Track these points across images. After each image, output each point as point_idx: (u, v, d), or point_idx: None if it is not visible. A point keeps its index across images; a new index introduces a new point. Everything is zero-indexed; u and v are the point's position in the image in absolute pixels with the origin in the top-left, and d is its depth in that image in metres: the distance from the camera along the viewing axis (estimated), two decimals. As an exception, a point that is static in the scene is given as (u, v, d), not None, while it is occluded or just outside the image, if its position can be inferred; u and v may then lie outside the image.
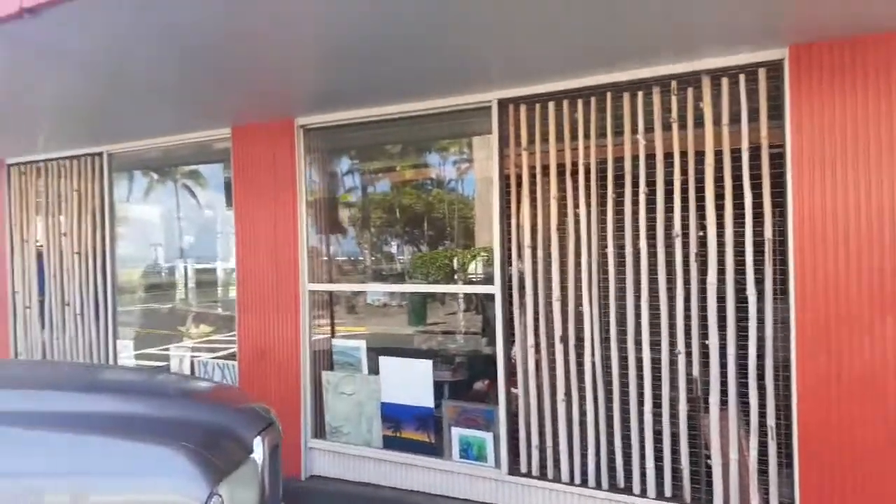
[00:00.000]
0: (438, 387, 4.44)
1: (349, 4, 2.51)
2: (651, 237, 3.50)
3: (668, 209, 3.45)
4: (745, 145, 3.25)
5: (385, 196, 5.62)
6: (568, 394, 3.74)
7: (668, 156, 3.44)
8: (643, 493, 3.54)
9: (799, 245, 3.11)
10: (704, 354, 3.40)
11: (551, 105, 3.73)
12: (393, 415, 4.28)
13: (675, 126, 3.42)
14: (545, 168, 3.78)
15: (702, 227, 3.39)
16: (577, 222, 3.71)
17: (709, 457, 3.41)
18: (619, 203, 3.59)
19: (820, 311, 3.07)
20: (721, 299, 3.34)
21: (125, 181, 6.01)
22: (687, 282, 3.41)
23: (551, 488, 3.76)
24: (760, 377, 3.25)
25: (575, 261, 3.72)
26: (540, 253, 3.80)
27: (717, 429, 3.35)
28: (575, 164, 3.70)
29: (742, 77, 3.25)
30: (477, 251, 4.75)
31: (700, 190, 3.36)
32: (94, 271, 5.58)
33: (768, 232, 3.21)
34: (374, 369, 4.40)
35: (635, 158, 3.54)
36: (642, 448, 3.55)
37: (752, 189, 3.23)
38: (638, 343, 3.55)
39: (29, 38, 2.82)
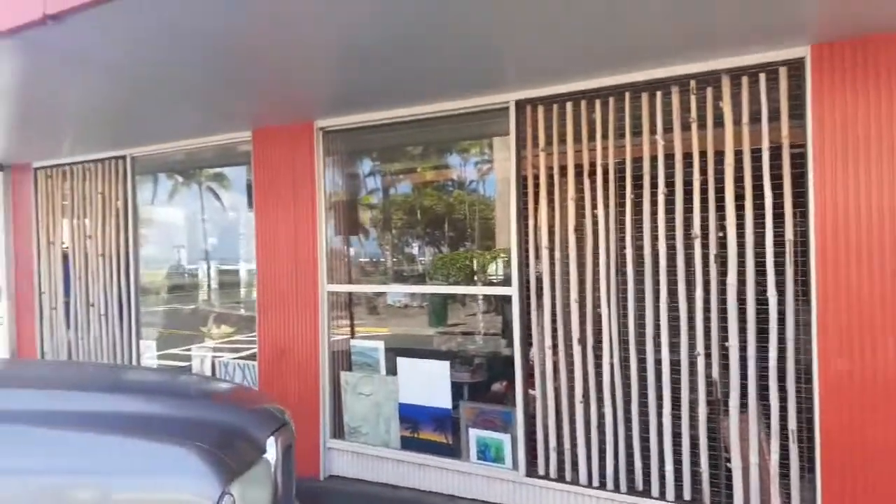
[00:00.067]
0: (458, 388, 4.48)
1: (369, 6, 2.56)
2: (670, 238, 3.50)
3: (687, 210, 3.45)
4: (765, 145, 3.23)
5: (404, 197, 5.69)
6: (586, 395, 3.75)
7: (687, 156, 3.44)
8: (662, 496, 3.53)
9: (821, 246, 3.09)
10: (724, 356, 3.39)
11: (569, 105, 3.75)
12: (411, 415, 4.33)
13: (694, 126, 3.41)
14: (563, 169, 3.80)
15: (721, 227, 3.38)
16: (595, 223, 3.72)
17: (729, 460, 3.40)
18: (637, 204, 3.59)
19: (842, 312, 3.05)
20: (741, 301, 3.33)
21: (148, 184, 6.15)
22: (706, 283, 3.41)
23: (569, 490, 3.77)
24: (781, 380, 3.23)
25: (593, 262, 3.73)
26: (557, 254, 3.82)
27: (737, 432, 3.34)
28: (593, 165, 3.71)
29: (762, 76, 3.24)
30: (497, 252, 4.79)
31: (720, 190, 3.36)
32: (118, 273, 5.71)
33: (789, 233, 3.19)
34: (391, 370, 4.45)
35: (654, 159, 3.54)
36: (661, 450, 3.55)
37: (772, 189, 3.21)
38: (657, 345, 3.55)
39: (52, 45, 2.91)
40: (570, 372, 3.80)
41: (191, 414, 2.46)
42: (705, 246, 3.41)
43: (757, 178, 3.26)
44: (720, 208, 3.36)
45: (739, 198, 3.31)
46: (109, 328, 5.77)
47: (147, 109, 4.24)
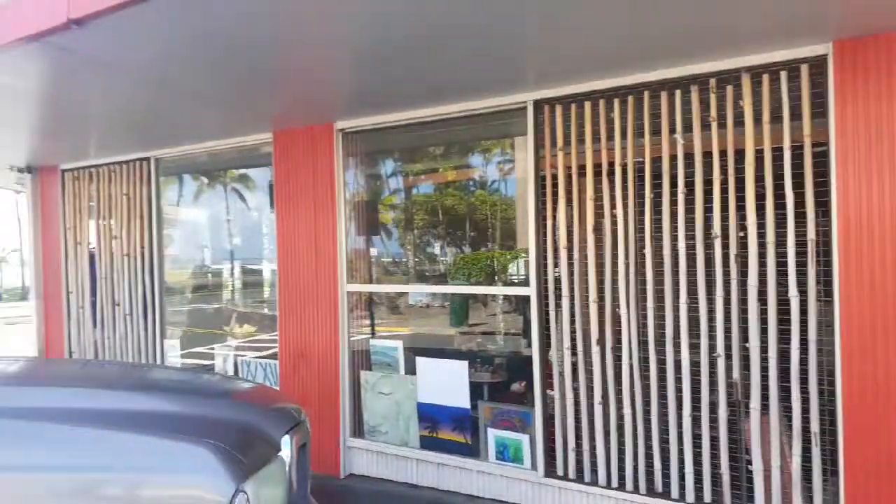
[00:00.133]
0: (478, 388, 4.53)
1: (389, 6, 2.60)
2: (690, 238, 3.50)
3: (708, 209, 3.45)
4: (787, 144, 3.22)
5: (423, 198, 5.75)
6: (605, 396, 3.77)
7: (707, 155, 3.44)
8: (681, 498, 3.54)
9: (843, 246, 3.07)
10: (745, 358, 3.39)
11: (587, 105, 3.76)
12: (430, 415, 4.38)
13: (714, 125, 3.41)
14: (581, 168, 3.82)
15: (742, 227, 3.38)
16: (613, 223, 3.73)
17: (750, 462, 3.39)
18: (656, 204, 3.60)
19: (866, 313, 3.03)
20: (762, 301, 3.32)
21: (172, 185, 6.29)
22: (727, 283, 3.40)
23: (588, 492, 3.79)
24: (804, 381, 3.22)
25: (612, 262, 3.74)
26: (576, 254, 3.84)
27: (759, 434, 3.33)
28: (612, 165, 3.73)
29: (784, 74, 3.23)
30: (518, 252, 4.82)
31: (740, 190, 3.35)
32: (143, 272, 5.85)
33: (811, 233, 3.18)
34: (411, 369, 4.50)
35: (673, 158, 3.54)
36: (681, 452, 3.55)
37: (794, 189, 3.20)
38: (676, 346, 3.55)
39: (77, 49, 3.01)
40: (589, 373, 3.82)
41: (207, 412, 2.51)
42: (726, 246, 3.41)
43: (778, 177, 3.25)
44: (741, 208, 3.36)
45: (760, 197, 3.30)
46: (134, 327, 5.92)
47: (169, 112, 4.35)
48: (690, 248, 3.50)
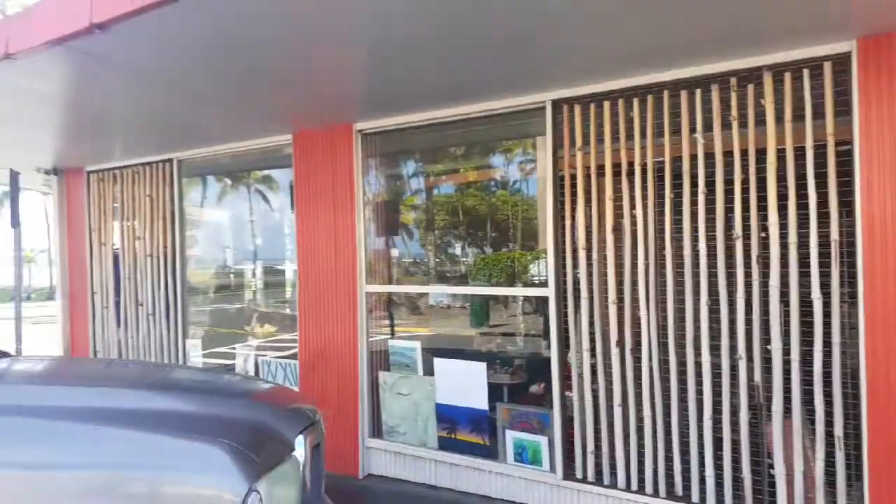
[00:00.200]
0: (497, 389, 4.55)
1: (411, 7, 2.64)
2: (710, 238, 3.50)
3: (729, 210, 3.44)
4: (809, 143, 3.21)
5: (442, 198, 5.78)
6: (624, 399, 3.77)
7: (728, 154, 3.43)
8: (702, 502, 3.54)
9: (868, 246, 3.05)
10: (767, 360, 3.37)
11: (606, 104, 3.77)
12: (448, 416, 4.42)
13: (734, 124, 3.40)
14: (600, 168, 3.83)
15: (764, 228, 3.36)
16: (633, 223, 3.73)
17: (772, 466, 3.37)
18: (677, 204, 3.60)
19: (891, 315, 3.00)
20: (784, 303, 3.30)
21: (195, 186, 6.42)
22: (748, 285, 3.39)
23: (607, 494, 3.80)
24: (827, 384, 3.19)
25: (631, 263, 3.74)
26: (595, 255, 3.85)
27: (781, 438, 3.31)
28: (631, 165, 3.73)
29: (806, 72, 3.21)
30: (538, 253, 4.83)
31: (762, 189, 3.34)
32: (165, 273, 5.98)
33: (835, 233, 3.15)
34: (429, 370, 4.55)
35: (693, 158, 3.54)
36: (701, 455, 3.54)
37: (817, 188, 3.18)
38: (697, 348, 3.55)
39: (99, 53, 3.10)
40: (609, 375, 3.83)
41: (222, 412, 2.56)
42: (747, 246, 3.39)
43: (801, 176, 3.23)
44: (762, 208, 3.34)
45: (782, 197, 3.28)
46: (157, 327, 6.05)
47: (191, 114, 4.46)
48: (711, 249, 3.50)
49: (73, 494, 2.24)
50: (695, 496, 3.56)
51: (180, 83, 3.69)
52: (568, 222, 3.93)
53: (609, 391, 3.83)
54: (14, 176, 6.08)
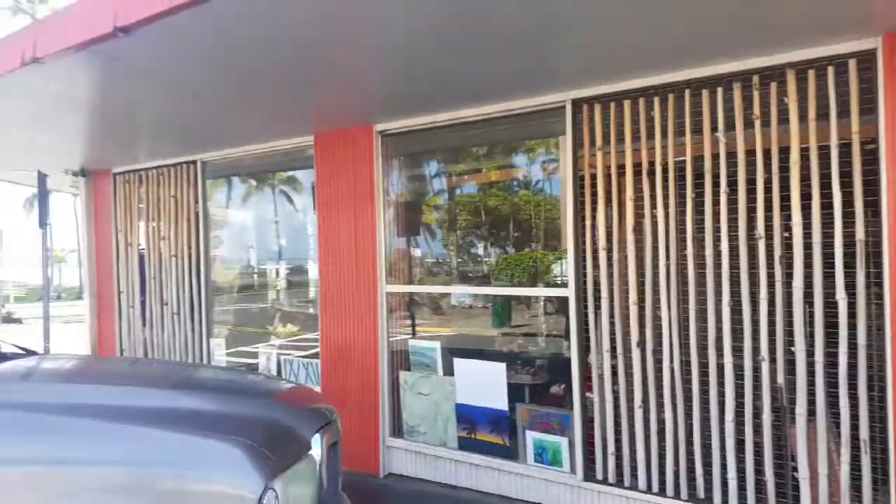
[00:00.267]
0: (519, 389, 4.58)
1: (431, 7, 2.68)
2: (733, 239, 3.49)
3: (751, 209, 3.43)
4: (833, 141, 3.18)
5: (463, 198, 5.83)
6: (645, 400, 3.78)
7: (751, 154, 3.42)
8: (724, 505, 3.53)
9: (894, 246, 3.02)
10: (790, 362, 3.35)
11: (626, 103, 3.78)
12: (468, 416, 4.46)
13: (757, 123, 3.39)
14: (621, 168, 3.83)
15: (787, 227, 3.34)
16: (654, 224, 3.73)
17: (796, 469, 3.36)
18: (698, 203, 3.60)
19: (918, 317, 2.97)
20: (809, 304, 3.28)
21: (219, 187, 6.54)
22: (771, 285, 3.38)
23: (628, 496, 3.81)
24: (852, 386, 3.17)
25: (652, 263, 3.75)
26: (616, 255, 3.86)
27: (805, 440, 3.29)
28: (652, 164, 3.73)
29: (830, 69, 3.19)
30: (560, 253, 4.84)
31: (785, 189, 3.32)
32: (190, 273, 6.11)
33: (860, 233, 3.13)
34: (449, 370, 4.59)
35: (715, 157, 3.53)
36: (723, 458, 3.54)
37: (841, 187, 3.16)
38: (719, 349, 3.54)
39: (123, 57, 3.18)
40: (629, 376, 3.84)
41: (241, 411, 2.61)
42: (770, 247, 3.38)
43: (825, 175, 3.20)
44: (785, 207, 3.33)
45: (806, 196, 3.26)
46: (181, 326, 6.18)
47: (213, 116, 4.56)
48: (733, 249, 3.49)
49: (89, 491, 2.30)
50: (717, 499, 3.56)
51: (202, 86, 3.77)
52: (588, 222, 3.94)
53: (630, 392, 3.83)
54: (42, 178, 6.25)
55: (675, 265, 3.68)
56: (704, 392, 3.59)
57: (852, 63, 3.14)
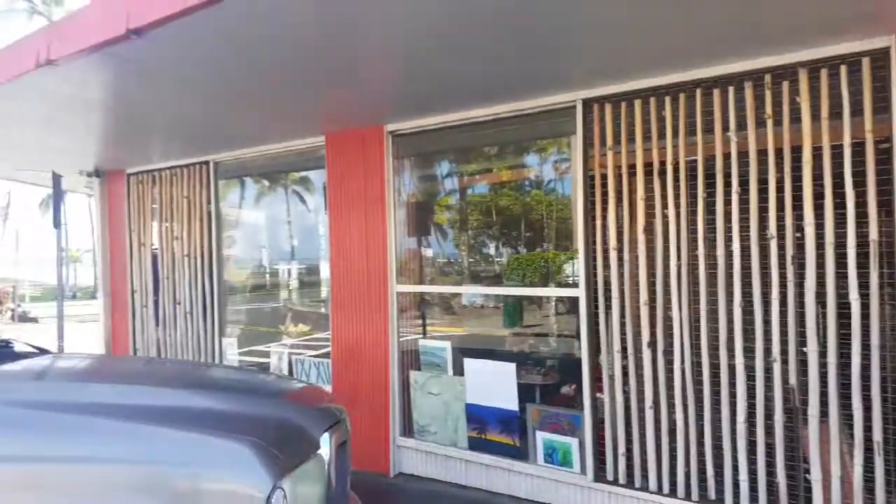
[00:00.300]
0: (530, 389, 4.59)
1: (442, 7, 2.70)
2: (744, 239, 3.48)
3: (763, 209, 3.42)
4: (846, 140, 3.17)
5: (475, 198, 5.84)
6: (656, 401, 3.77)
7: (762, 153, 3.41)
8: (735, 507, 3.52)
9: (908, 247, 3.00)
10: (802, 362, 3.34)
11: (637, 103, 3.78)
12: (478, 416, 4.47)
13: (769, 122, 3.38)
14: (631, 168, 3.83)
15: (799, 228, 3.33)
16: (665, 224, 3.73)
17: (808, 471, 3.34)
18: (710, 203, 3.59)
19: (932, 318, 2.95)
20: (821, 304, 3.26)
21: (231, 187, 6.60)
22: (783, 286, 3.36)
23: (639, 497, 3.81)
24: (865, 388, 3.15)
25: (663, 263, 3.74)
26: (626, 255, 3.85)
27: (817, 442, 3.28)
28: (663, 164, 3.73)
29: (843, 68, 3.17)
30: (572, 253, 4.85)
31: (797, 189, 3.31)
32: (202, 272, 6.17)
33: (874, 233, 3.11)
34: (459, 370, 4.61)
35: (727, 157, 3.52)
36: (735, 459, 3.53)
37: (854, 187, 3.14)
38: (730, 350, 3.53)
39: (136, 58, 3.23)
40: (640, 376, 3.83)
41: (250, 410, 2.64)
42: (782, 247, 3.37)
43: (837, 175, 3.19)
44: (798, 207, 3.31)
45: (819, 196, 3.25)
46: (194, 326, 6.24)
47: (226, 117, 4.61)
48: (745, 250, 3.48)
49: (99, 489, 2.32)
50: (728, 500, 3.55)
51: (215, 87, 3.82)
52: (599, 222, 3.95)
53: (641, 393, 3.83)
54: (56, 178, 6.34)
55: (687, 265, 3.67)
56: (716, 393, 3.58)
57: (865, 62, 3.12)
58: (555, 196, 5.46)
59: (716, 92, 3.52)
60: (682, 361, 3.68)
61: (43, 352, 3.52)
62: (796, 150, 3.31)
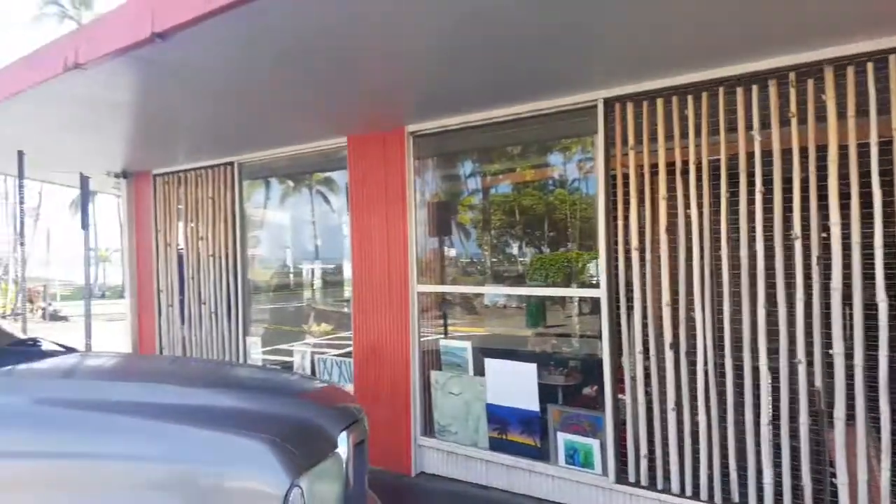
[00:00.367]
0: (552, 390, 4.61)
1: (468, 9, 2.72)
2: (768, 239, 3.45)
3: (787, 209, 3.39)
4: (873, 139, 3.12)
5: (496, 198, 5.86)
6: (679, 402, 3.76)
7: (787, 152, 3.38)
8: (759, 510, 3.50)
9: (937, 247, 2.96)
10: (828, 365, 3.30)
11: (659, 102, 3.77)
12: (499, 416, 4.49)
13: (793, 120, 3.35)
14: (653, 167, 3.82)
15: (825, 227, 3.30)
16: (688, 223, 3.72)
17: (834, 475, 3.31)
18: (733, 203, 3.56)
19: (962, 320, 2.90)
20: (847, 305, 3.23)
21: (256, 188, 6.70)
22: (808, 286, 3.33)
23: (661, 499, 3.80)
24: (893, 391, 3.11)
25: (686, 264, 3.73)
26: (648, 255, 3.85)
27: (844, 445, 3.24)
28: (685, 163, 3.72)
29: (870, 65, 3.13)
30: (595, 253, 4.84)
31: (822, 188, 3.27)
32: (227, 272, 6.27)
33: (902, 233, 3.07)
34: (479, 370, 4.63)
35: (750, 156, 3.50)
36: (759, 462, 3.50)
37: (881, 186, 3.10)
38: (754, 351, 3.51)
39: (161, 61, 3.30)
40: (662, 378, 3.82)
41: (269, 409, 2.66)
42: (807, 247, 3.34)
43: (864, 174, 3.15)
44: (823, 207, 3.28)
45: (845, 196, 3.21)
46: (219, 325, 6.36)
47: (249, 119, 4.69)
48: (769, 250, 3.45)
49: (119, 486, 2.36)
50: (752, 503, 3.52)
51: (239, 88, 3.88)
52: (620, 222, 3.94)
53: (663, 394, 3.82)
54: (84, 180, 6.49)
55: (710, 266, 3.66)
56: (739, 395, 3.56)
57: (893, 59, 3.08)
58: (578, 195, 5.45)
59: (739, 90, 3.50)
60: (705, 363, 3.66)
61: (69, 350, 3.61)
62: (822, 149, 3.28)
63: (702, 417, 3.68)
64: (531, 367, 4.37)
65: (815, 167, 3.29)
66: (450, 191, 5.70)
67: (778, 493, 3.46)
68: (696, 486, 3.71)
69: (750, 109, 3.47)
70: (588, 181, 5.06)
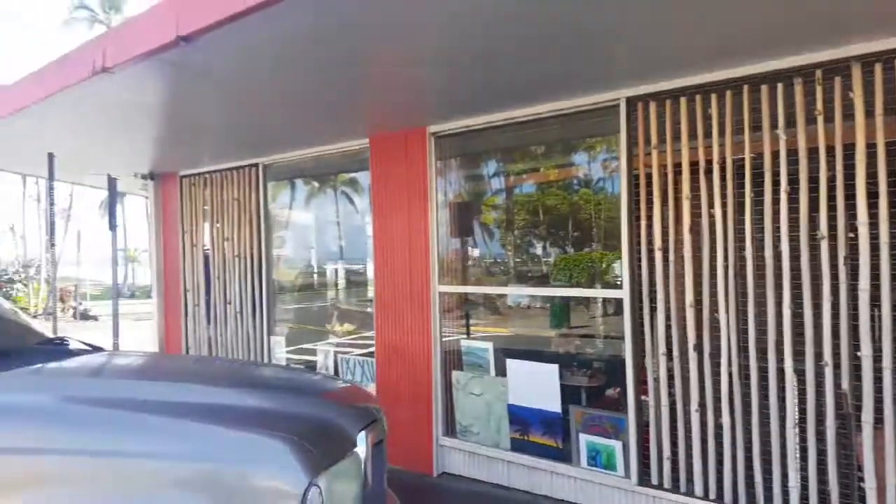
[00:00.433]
0: (575, 391, 4.61)
1: (492, 11, 2.76)
2: (793, 239, 3.42)
3: (813, 209, 3.36)
4: (902, 137, 3.09)
5: (520, 198, 5.87)
6: (702, 404, 3.74)
7: (813, 151, 3.35)
8: (785, 515, 3.47)
9: (969, 247, 2.91)
10: (856, 367, 3.26)
11: (682, 101, 3.75)
12: (520, 417, 4.51)
13: (820, 119, 3.32)
14: (677, 167, 3.81)
15: (852, 227, 3.26)
16: (711, 223, 3.70)
17: (862, 479, 3.27)
18: (757, 203, 3.54)
19: None
20: (876, 307, 3.19)
21: (281, 189, 6.80)
22: (835, 287, 3.30)
23: (684, 502, 3.78)
24: (923, 394, 3.07)
25: (710, 264, 3.71)
26: (672, 256, 3.83)
27: (872, 449, 3.21)
28: (709, 162, 3.70)
29: (899, 62, 3.10)
30: (619, 253, 4.83)
31: (849, 188, 3.24)
32: (252, 273, 6.38)
33: (932, 233, 3.03)
34: (501, 371, 4.66)
35: (775, 155, 3.47)
36: (784, 465, 3.48)
37: (911, 185, 3.06)
38: (779, 353, 3.48)
39: (186, 64, 3.39)
40: (686, 379, 3.81)
41: (290, 409, 2.70)
42: (833, 247, 3.30)
43: (892, 173, 3.12)
44: (850, 207, 3.24)
45: (873, 195, 3.17)
46: (244, 325, 6.46)
47: (273, 121, 4.77)
48: (794, 250, 3.42)
49: (139, 484, 2.39)
50: (777, 508, 3.50)
51: (262, 91, 3.97)
52: (643, 222, 3.94)
53: (686, 396, 3.81)
54: (111, 182, 6.63)
55: (734, 266, 3.63)
56: (764, 397, 3.53)
57: (922, 55, 3.04)
58: (603, 195, 5.44)
59: (764, 88, 3.47)
60: (730, 365, 3.64)
61: (96, 349, 3.69)
62: (849, 148, 3.24)
63: (726, 419, 3.66)
64: (553, 368, 4.39)
65: (842, 166, 3.25)
66: (472, 191, 5.73)
67: (804, 498, 3.43)
68: (719, 489, 3.69)
69: (775, 108, 3.44)
70: (612, 181, 5.05)
